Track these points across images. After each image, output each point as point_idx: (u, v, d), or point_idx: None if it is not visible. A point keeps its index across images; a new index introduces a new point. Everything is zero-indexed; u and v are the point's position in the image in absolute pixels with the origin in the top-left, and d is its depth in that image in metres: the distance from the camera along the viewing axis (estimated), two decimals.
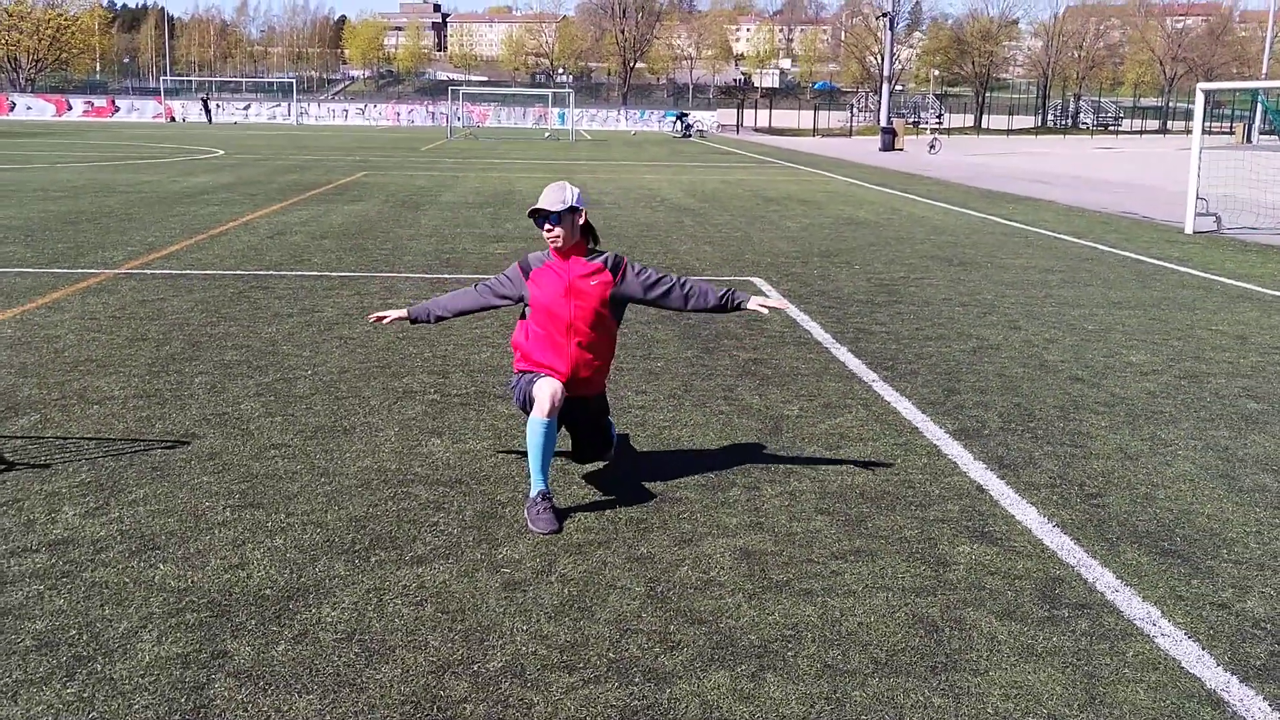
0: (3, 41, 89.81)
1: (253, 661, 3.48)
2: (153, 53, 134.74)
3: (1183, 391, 7.17)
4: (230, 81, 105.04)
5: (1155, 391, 7.15)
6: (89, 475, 5.10)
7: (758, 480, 5.29)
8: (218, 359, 7.39)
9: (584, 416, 5.02)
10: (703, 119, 74.47)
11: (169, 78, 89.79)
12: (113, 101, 77.42)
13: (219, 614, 3.79)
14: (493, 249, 13.35)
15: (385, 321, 5.34)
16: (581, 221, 4.91)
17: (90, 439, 5.64)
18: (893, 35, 57.48)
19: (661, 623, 3.81)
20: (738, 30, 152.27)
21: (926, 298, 10.50)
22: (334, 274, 11.07)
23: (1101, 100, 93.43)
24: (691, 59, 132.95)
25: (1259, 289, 11.53)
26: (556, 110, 72.53)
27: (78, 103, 76.26)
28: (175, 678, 3.37)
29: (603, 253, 5.01)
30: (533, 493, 4.72)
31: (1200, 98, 18.14)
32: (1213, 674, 3.56)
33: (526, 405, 4.82)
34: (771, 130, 75.85)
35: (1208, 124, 21.56)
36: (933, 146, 46.00)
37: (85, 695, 3.27)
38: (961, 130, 78.48)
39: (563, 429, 5.03)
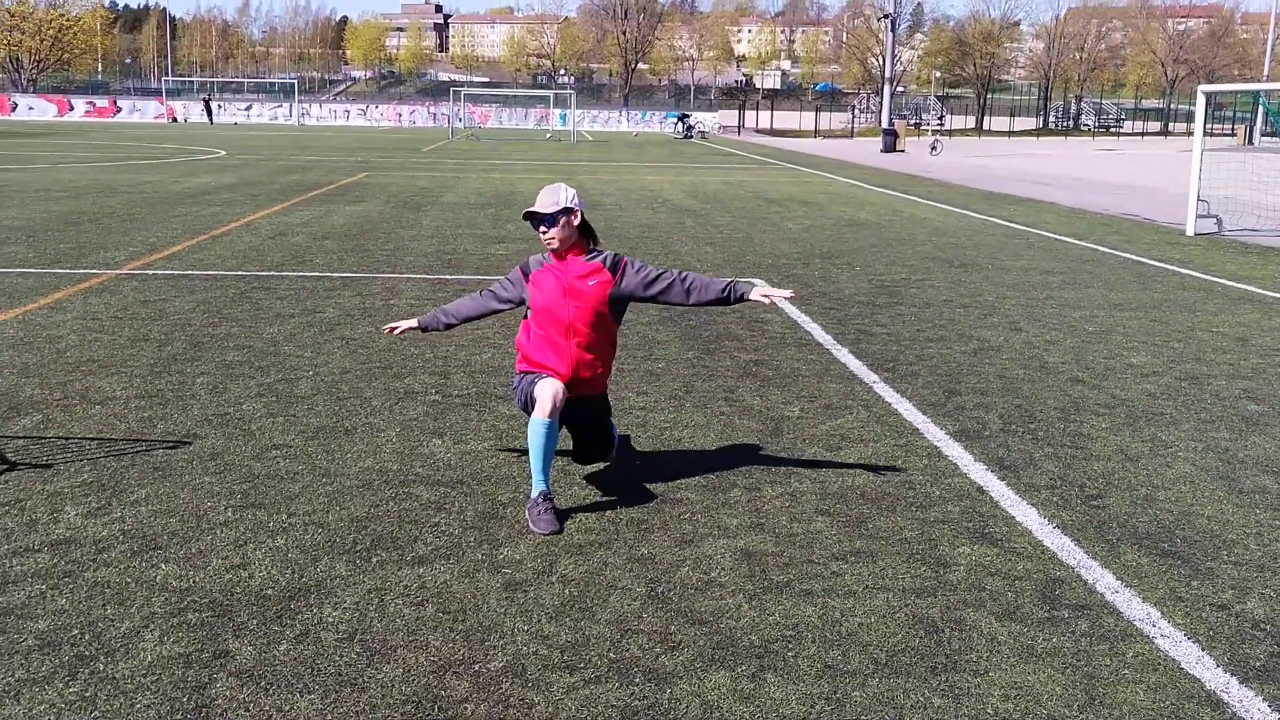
0: (5, 42, 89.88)
1: (254, 661, 3.49)
2: (154, 53, 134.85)
3: (1183, 393, 7.18)
4: (232, 82, 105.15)
5: (1156, 393, 7.15)
6: (91, 475, 5.11)
7: (758, 481, 5.30)
8: (219, 359, 7.40)
9: (585, 417, 5.03)
10: (704, 120, 74.50)
11: (170, 78, 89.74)
12: (114, 102, 77.48)
13: (221, 614, 3.79)
14: (494, 250, 13.37)
15: (397, 332, 5.38)
16: (577, 222, 4.90)
17: (92, 439, 5.65)
18: (894, 37, 57.48)
19: (662, 623, 3.82)
20: (739, 31, 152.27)
21: (927, 299, 10.51)
22: (335, 275, 11.08)
23: (1103, 102, 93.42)
24: (693, 60, 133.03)
25: (1260, 291, 11.54)
26: (558, 111, 72.57)
27: (79, 103, 76.33)
28: (177, 677, 3.38)
29: (602, 252, 5.00)
30: (534, 493, 4.73)
31: (1201, 100, 18.15)
32: (1212, 675, 3.57)
33: (528, 406, 4.83)
34: (773, 131, 75.87)
35: (1209, 126, 21.56)
36: (934, 148, 46.01)
37: (87, 695, 3.27)
38: (963, 132, 78.48)
39: (564, 430, 5.04)
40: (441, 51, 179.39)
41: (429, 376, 7.13)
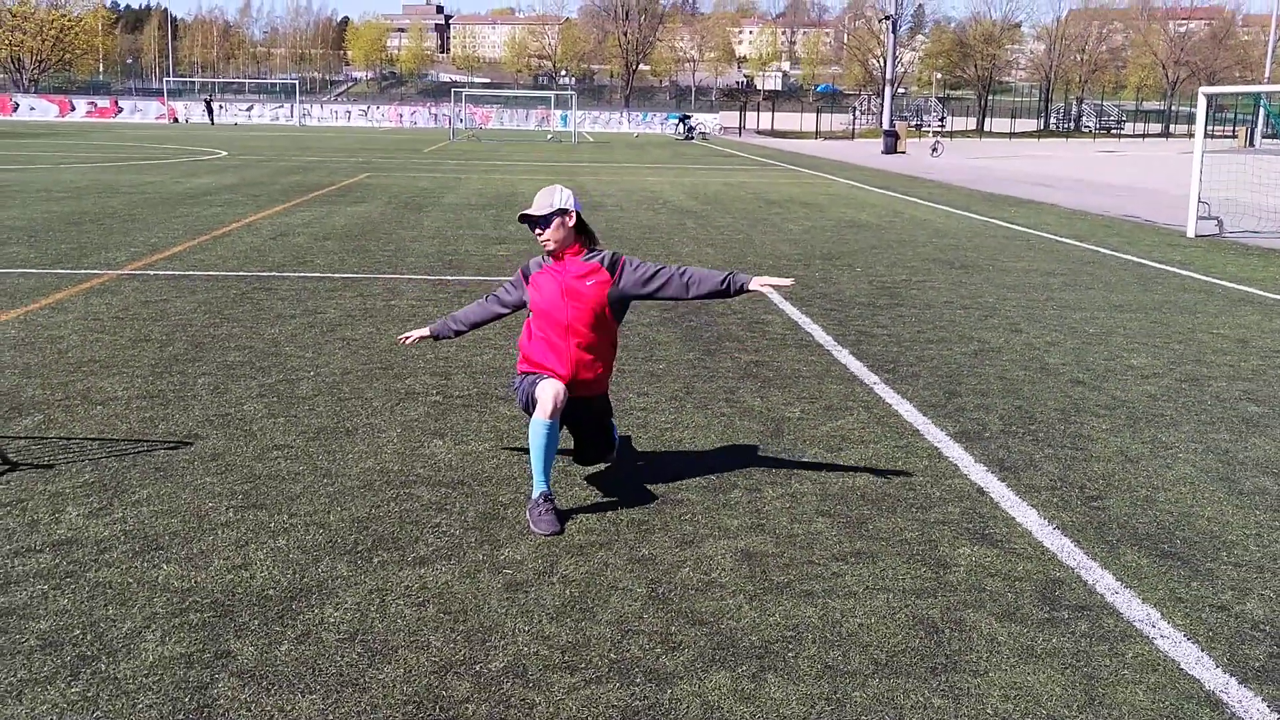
0: (6, 42, 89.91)
1: (256, 661, 3.50)
2: (156, 54, 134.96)
3: (1183, 394, 7.18)
4: (233, 82, 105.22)
5: (1156, 394, 7.16)
6: (92, 476, 5.12)
7: (759, 482, 5.30)
8: (221, 360, 7.41)
9: (586, 417, 5.03)
10: (705, 121, 74.51)
11: (172, 79, 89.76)
12: (116, 102, 77.49)
13: (222, 614, 3.80)
14: (495, 251, 13.38)
15: (409, 341, 5.44)
16: (572, 223, 4.90)
17: (94, 439, 5.66)
18: (895, 38, 57.49)
19: (663, 624, 3.83)
20: (740, 33, 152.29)
21: (928, 300, 10.51)
22: (337, 275, 11.09)
23: (1104, 104, 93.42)
24: (694, 61, 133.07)
25: (1260, 293, 11.55)
26: (559, 112, 72.59)
27: (81, 103, 76.35)
28: (179, 677, 3.39)
29: (600, 252, 5.00)
30: (534, 494, 4.74)
31: (1202, 101, 18.15)
32: (1212, 675, 3.58)
33: (529, 406, 4.83)
34: (774, 133, 75.89)
35: (1210, 128, 21.58)
36: (935, 149, 46.02)
37: (89, 695, 3.28)
38: (964, 133, 78.47)
39: (565, 430, 5.05)
40: (442, 52, 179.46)
41: (430, 377, 7.13)
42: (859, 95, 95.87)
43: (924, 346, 8.44)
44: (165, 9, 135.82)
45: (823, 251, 14.06)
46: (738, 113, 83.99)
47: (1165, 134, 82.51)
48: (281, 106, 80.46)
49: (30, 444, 5.56)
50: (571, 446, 5.25)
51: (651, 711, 3.29)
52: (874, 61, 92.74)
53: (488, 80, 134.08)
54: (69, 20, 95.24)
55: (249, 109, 79.65)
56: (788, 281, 4.84)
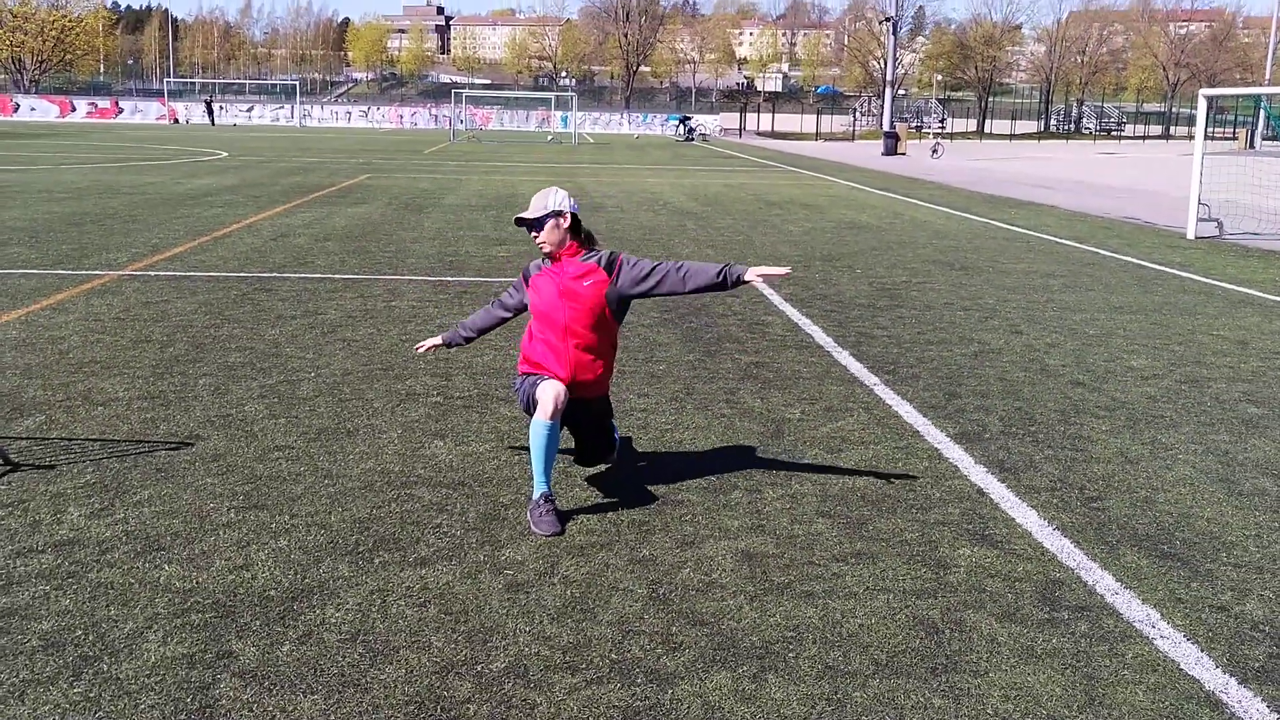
0: (7, 43, 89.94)
1: (258, 662, 3.50)
2: (156, 54, 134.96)
3: (1183, 396, 7.19)
4: (234, 83, 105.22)
5: (1156, 396, 7.17)
6: (94, 476, 5.13)
7: (759, 483, 5.31)
8: (221, 361, 7.42)
9: (587, 418, 5.04)
10: (705, 123, 74.53)
11: (172, 79, 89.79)
12: (116, 103, 77.49)
13: (224, 615, 3.81)
14: (495, 252, 13.39)
15: (423, 350, 5.52)
16: (566, 224, 4.91)
17: (95, 440, 5.67)
18: (895, 40, 57.52)
19: (663, 624, 3.83)
20: (741, 34, 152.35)
21: (928, 302, 10.52)
22: (337, 276, 11.10)
23: (1104, 105, 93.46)
24: (694, 63, 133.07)
25: (1260, 294, 11.56)
26: (559, 113, 72.59)
27: (81, 104, 76.35)
28: (181, 678, 3.40)
29: (598, 252, 5.00)
30: (535, 495, 4.75)
31: (1203, 103, 18.17)
32: (1211, 676, 3.59)
33: (530, 407, 4.84)
34: (774, 134, 75.89)
35: (1210, 130, 21.59)
36: (935, 151, 46.05)
37: (91, 695, 3.29)
38: (964, 135, 78.49)
39: (566, 431, 5.05)
40: (443, 53, 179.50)
41: (430, 378, 7.14)
42: (859, 97, 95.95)
43: (924, 348, 8.45)
44: (166, 10, 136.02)
45: (823, 253, 14.07)
46: (738, 114, 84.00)
47: (1165, 136, 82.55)
48: (282, 107, 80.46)
49: (32, 445, 5.56)
50: (572, 447, 5.26)
51: (652, 712, 3.30)
52: (874, 63, 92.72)
53: (488, 81, 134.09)
54: (70, 21, 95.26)
55: (249, 110, 79.64)
56: (784, 270, 4.81)
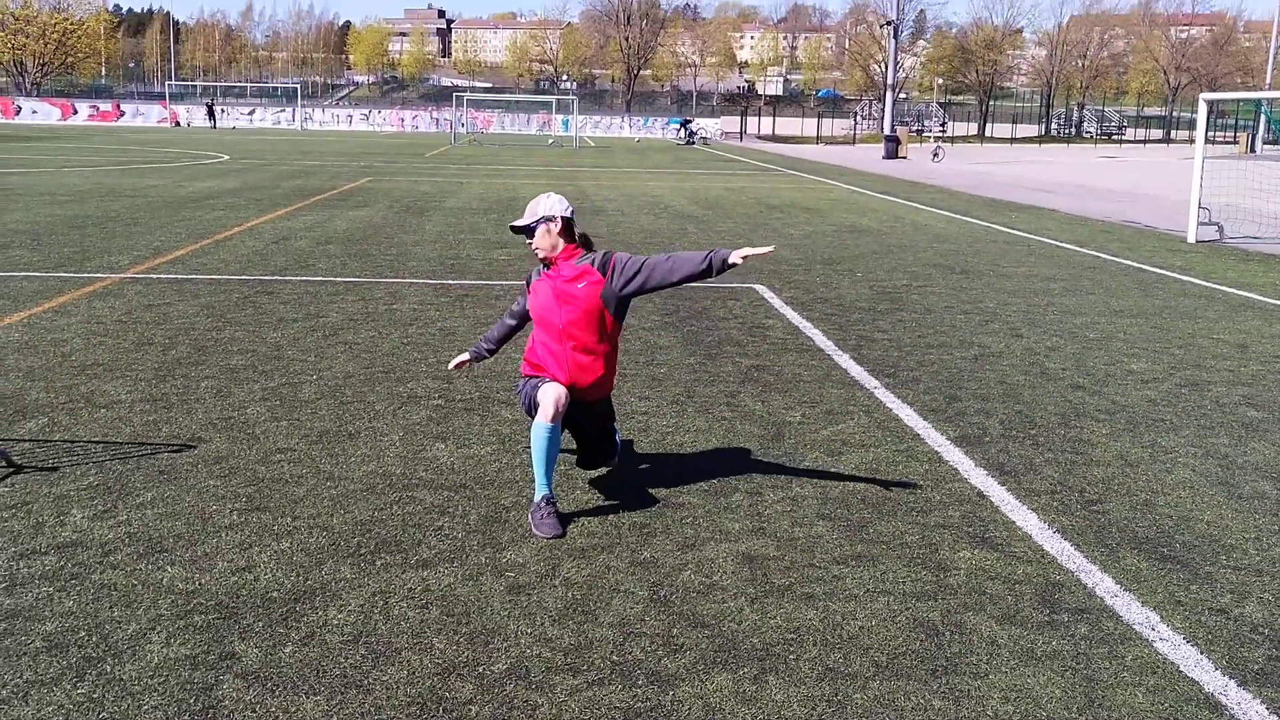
0: (9, 45, 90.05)
1: (260, 663, 3.52)
2: (158, 57, 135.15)
3: (1183, 399, 7.21)
4: (235, 86, 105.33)
5: (1156, 399, 7.18)
6: (97, 478, 5.14)
7: (760, 486, 5.32)
8: (223, 363, 7.44)
9: (588, 421, 5.05)
10: (706, 126, 74.58)
11: (174, 82, 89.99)
12: (118, 106, 77.51)
13: (227, 616, 3.83)
14: (496, 255, 13.40)
15: (452, 367, 5.54)
16: (557, 229, 4.93)
17: (97, 442, 5.68)
18: (897, 43, 57.55)
19: (664, 626, 3.85)
20: (741, 38, 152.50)
21: (929, 305, 10.54)
22: (339, 279, 11.12)
23: (1105, 109, 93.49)
24: (695, 66, 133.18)
25: (1260, 298, 11.57)
26: (560, 117, 72.62)
27: (83, 107, 76.37)
28: (184, 679, 3.41)
29: (593, 255, 5.02)
30: (536, 497, 4.76)
31: (1203, 107, 18.19)
32: (1211, 678, 3.60)
33: (531, 410, 4.86)
34: (775, 138, 75.91)
35: (1211, 134, 21.61)
36: (936, 155, 46.07)
37: (95, 696, 3.30)
38: (965, 138, 78.50)
39: (568, 434, 5.07)
40: (444, 56, 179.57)
41: (432, 381, 7.16)
42: (860, 100, 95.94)
43: (924, 351, 8.46)
44: (167, 13, 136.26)
45: (823, 256, 14.08)
46: (739, 118, 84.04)
47: (1166, 140, 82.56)
48: (283, 110, 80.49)
49: (34, 447, 5.58)
50: (574, 450, 5.28)
51: (653, 713, 3.31)
52: (875, 67, 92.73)
53: (489, 85, 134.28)
54: (71, 24, 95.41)
55: (250, 113, 79.68)
56: (767, 249, 4.82)
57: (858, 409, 6.78)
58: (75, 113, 75.25)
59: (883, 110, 59.35)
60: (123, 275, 11.00)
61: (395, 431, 6.03)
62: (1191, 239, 16.83)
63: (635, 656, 3.63)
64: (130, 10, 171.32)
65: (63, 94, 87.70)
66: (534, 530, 4.66)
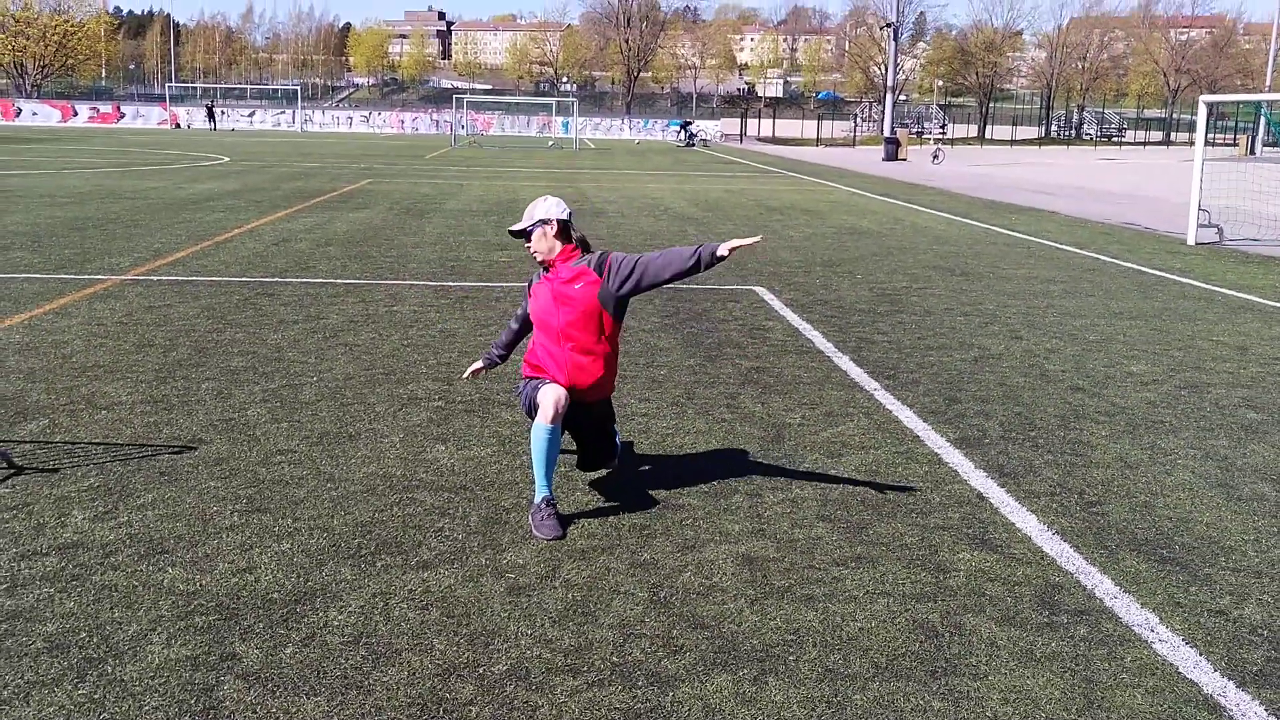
0: (9, 47, 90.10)
1: (261, 664, 3.52)
2: (158, 59, 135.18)
3: (1183, 401, 7.21)
4: (235, 88, 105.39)
5: (1155, 401, 7.19)
6: (97, 480, 5.15)
7: (760, 487, 5.33)
8: (224, 365, 7.44)
9: (588, 422, 5.06)
10: (706, 128, 74.61)
11: (174, 84, 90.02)
12: (118, 108, 77.56)
13: (227, 617, 3.83)
14: (497, 257, 13.41)
15: (467, 375, 5.57)
16: (553, 231, 4.96)
17: (98, 444, 5.69)
18: (896, 45, 57.60)
19: (664, 627, 3.85)
20: (741, 40, 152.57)
21: (928, 307, 10.55)
22: (339, 281, 11.13)
23: (1105, 111, 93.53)
24: (695, 68, 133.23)
25: (1260, 300, 11.58)
26: (560, 119, 72.68)
27: (83, 109, 76.44)
28: (185, 679, 3.42)
29: (589, 256, 5.04)
30: (537, 499, 4.77)
31: (1203, 110, 18.21)
32: (1210, 679, 3.60)
33: (531, 411, 4.87)
34: (775, 140, 75.96)
35: (1211, 136, 21.63)
36: (936, 157, 46.10)
37: (96, 697, 3.31)
38: (965, 141, 78.56)
39: (569, 436, 5.08)
40: (444, 58, 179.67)
41: (432, 383, 7.17)
42: (860, 102, 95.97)
43: (924, 353, 8.47)
44: (168, 15, 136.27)
45: (823, 258, 14.09)
46: (739, 119, 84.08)
47: (1166, 142, 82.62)
48: (283, 112, 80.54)
49: (35, 448, 5.59)
50: (575, 451, 5.28)
51: (654, 714, 3.32)
52: (875, 68, 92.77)
53: (489, 86, 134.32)
54: (72, 26, 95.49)
55: (250, 115, 79.73)
56: (755, 239, 4.83)
57: (857, 411, 6.78)
58: (75, 115, 75.30)
59: (882, 112, 59.36)
60: (123, 277, 11.00)
61: (395, 433, 6.03)
62: (1191, 241, 16.84)
63: (635, 658, 3.64)
64: (130, 12, 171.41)
65: (63, 96, 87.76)
66: (534, 532, 4.67)
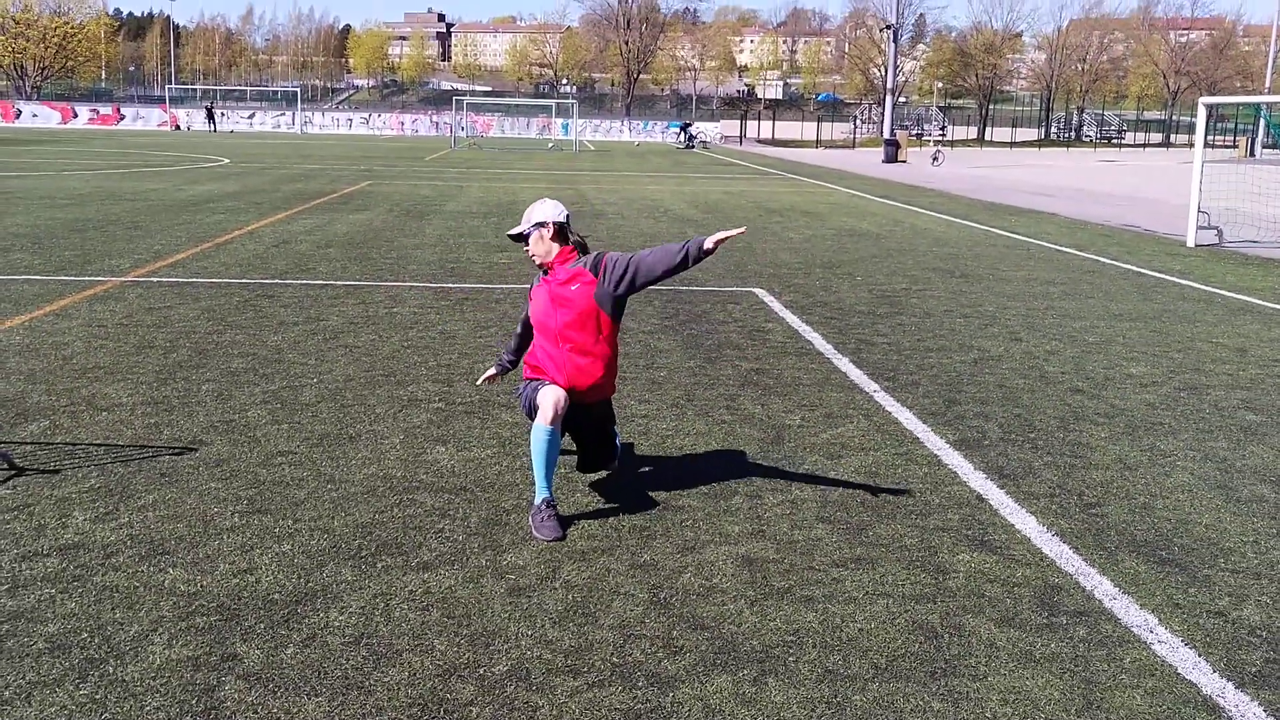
0: (9, 49, 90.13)
1: (262, 664, 3.53)
2: (158, 61, 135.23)
3: (1182, 403, 7.22)
4: (235, 90, 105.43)
5: (1155, 403, 7.20)
6: (98, 481, 5.16)
7: (760, 489, 5.34)
8: (224, 367, 7.45)
9: (588, 423, 5.07)
10: (705, 130, 74.64)
11: (174, 86, 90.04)
12: (118, 109, 77.63)
13: (228, 618, 3.84)
14: (497, 259, 13.42)
15: (480, 382, 5.61)
16: (549, 234, 4.99)
17: (99, 445, 5.69)
18: (896, 47, 57.63)
19: (664, 628, 3.86)
20: (741, 42, 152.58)
21: (928, 309, 10.56)
22: (339, 283, 11.14)
23: (1105, 113, 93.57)
24: (695, 70, 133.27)
25: (1259, 302, 11.59)
26: (560, 121, 72.72)
27: (83, 110, 76.49)
28: (186, 680, 3.43)
29: (586, 257, 5.06)
30: (537, 500, 4.78)
31: (1202, 112, 18.22)
32: (1209, 680, 3.61)
33: (531, 413, 4.89)
34: (774, 141, 75.99)
35: (1210, 138, 21.65)
36: (936, 159, 46.12)
37: (97, 697, 3.32)
38: (965, 142, 78.59)
39: (568, 437, 5.09)
40: (444, 60, 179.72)
41: (432, 384, 7.17)
42: (860, 104, 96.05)
43: (924, 355, 8.48)
44: (167, 16, 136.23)
45: (823, 260, 14.10)
46: (738, 121, 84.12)
47: (1166, 144, 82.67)
48: (283, 114, 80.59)
49: (36, 449, 5.59)
50: (575, 452, 5.29)
51: (654, 714, 3.32)
52: (875, 70, 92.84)
53: (489, 88, 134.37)
54: (72, 27, 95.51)
55: (250, 116, 79.76)
56: (739, 230, 4.89)
57: (857, 412, 6.79)
58: (75, 116, 75.35)
59: (882, 114, 59.37)
60: (123, 278, 11.01)
61: (396, 434, 6.04)
62: (1191, 243, 16.85)
63: (635, 658, 3.65)
64: (130, 14, 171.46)
65: (63, 98, 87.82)
66: (534, 533, 4.68)
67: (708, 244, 4.76)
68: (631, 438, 6.08)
